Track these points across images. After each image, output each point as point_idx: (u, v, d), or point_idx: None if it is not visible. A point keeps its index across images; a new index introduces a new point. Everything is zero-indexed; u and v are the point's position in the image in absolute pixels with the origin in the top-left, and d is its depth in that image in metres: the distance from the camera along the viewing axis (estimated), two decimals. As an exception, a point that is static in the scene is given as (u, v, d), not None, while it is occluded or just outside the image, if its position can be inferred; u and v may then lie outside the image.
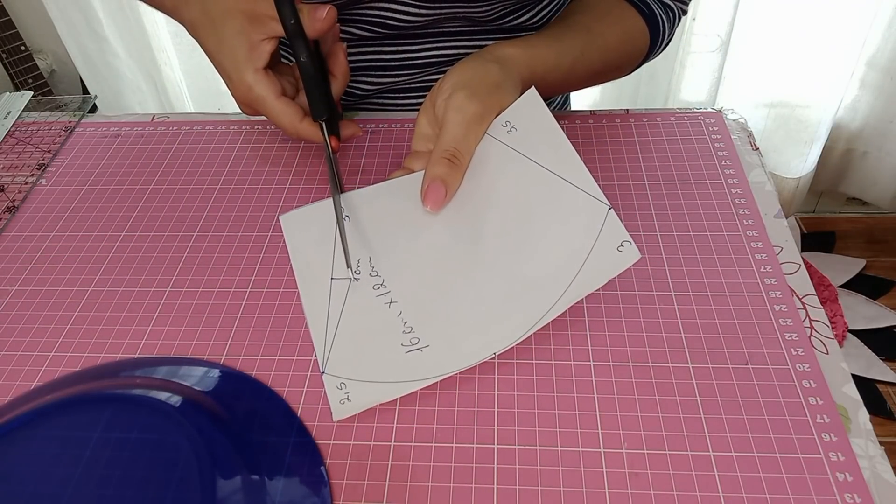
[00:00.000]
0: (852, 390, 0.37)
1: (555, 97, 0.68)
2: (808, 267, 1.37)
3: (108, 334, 0.43)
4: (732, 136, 0.54)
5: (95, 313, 0.45)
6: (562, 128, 0.43)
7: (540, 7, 0.59)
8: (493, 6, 0.55)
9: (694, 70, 1.32)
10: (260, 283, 0.45)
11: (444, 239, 0.43)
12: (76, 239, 0.50)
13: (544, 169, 0.42)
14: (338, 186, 0.46)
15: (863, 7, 1.21)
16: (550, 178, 0.42)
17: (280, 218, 0.47)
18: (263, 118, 0.59)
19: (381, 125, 0.58)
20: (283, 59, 0.53)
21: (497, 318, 0.40)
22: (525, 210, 0.42)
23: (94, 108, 0.64)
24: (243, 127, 0.59)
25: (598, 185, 0.41)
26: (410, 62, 0.60)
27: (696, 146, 0.53)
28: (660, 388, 0.38)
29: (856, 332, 1.36)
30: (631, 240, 0.39)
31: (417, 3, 0.54)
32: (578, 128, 0.56)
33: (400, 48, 0.59)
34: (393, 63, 0.60)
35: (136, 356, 0.42)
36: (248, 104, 0.47)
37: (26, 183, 0.56)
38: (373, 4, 0.55)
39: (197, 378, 0.40)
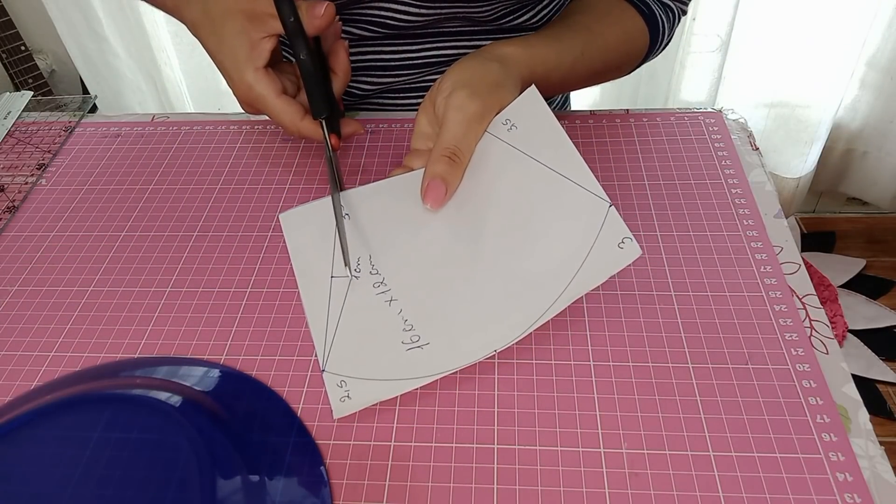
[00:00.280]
0: (852, 390, 0.37)
1: (555, 97, 0.68)
2: (808, 267, 1.37)
3: (108, 334, 0.43)
4: (732, 136, 0.54)
5: (95, 313, 0.45)
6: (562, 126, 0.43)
7: (540, 7, 0.59)
8: (493, 6, 0.55)
9: (694, 70, 1.32)
10: (260, 283, 0.45)
11: (445, 237, 0.43)
12: (76, 239, 0.50)
13: (544, 166, 0.42)
14: (337, 185, 0.46)
15: (863, 7, 1.21)
16: (551, 175, 0.42)
17: (280, 216, 0.47)
18: (264, 117, 0.59)
19: (381, 125, 0.58)
20: (284, 58, 0.53)
21: (498, 315, 0.40)
22: (525, 207, 0.42)
23: (94, 108, 0.64)
24: (243, 127, 0.59)
25: (598, 184, 0.41)
26: (410, 62, 0.60)
27: (696, 146, 0.53)
28: (660, 388, 0.38)
29: (856, 332, 1.36)
30: (632, 236, 0.39)
31: (417, 3, 0.54)
32: (578, 128, 0.56)
33: (400, 48, 0.59)
34: (393, 63, 0.60)
35: (136, 356, 0.42)
36: (249, 103, 0.47)
37: (26, 183, 0.56)
38: (373, 4, 0.55)
39: (197, 378, 0.40)
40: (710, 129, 0.55)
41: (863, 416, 0.36)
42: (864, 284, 1.45)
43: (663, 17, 0.55)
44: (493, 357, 0.40)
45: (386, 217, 0.45)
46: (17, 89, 1.25)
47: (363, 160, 0.54)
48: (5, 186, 0.55)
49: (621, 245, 0.39)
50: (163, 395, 0.37)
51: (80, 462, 0.34)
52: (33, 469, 0.34)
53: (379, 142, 0.56)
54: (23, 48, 1.37)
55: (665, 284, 0.43)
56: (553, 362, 0.39)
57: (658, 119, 0.56)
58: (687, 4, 0.57)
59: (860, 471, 0.34)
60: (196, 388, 0.39)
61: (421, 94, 0.63)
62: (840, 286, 1.45)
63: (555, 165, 0.42)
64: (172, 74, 1.42)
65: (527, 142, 0.43)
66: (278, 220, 0.49)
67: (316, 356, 0.41)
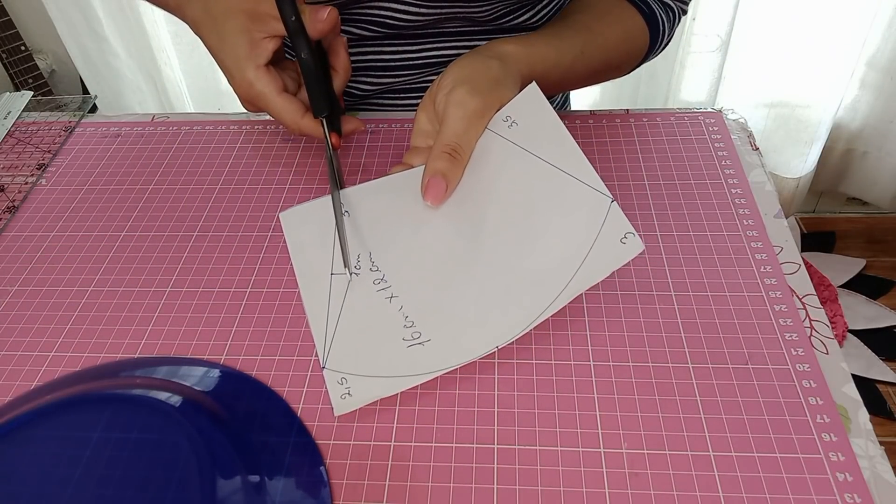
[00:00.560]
0: (852, 390, 0.37)
1: (554, 96, 0.68)
2: (808, 267, 1.37)
3: (108, 334, 0.43)
4: (732, 136, 0.54)
5: (95, 313, 0.45)
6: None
7: (540, 7, 0.59)
8: (493, 6, 0.55)
9: (694, 70, 1.32)
10: (260, 283, 0.45)
11: (445, 233, 0.43)
12: (76, 239, 0.50)
13: (546, 163, 0.42)
14: (337, 183, 0.46)
15: (863, 7, 1.21)
16: (552, 171, 0.42)
17: (280, 215, 0.47)
18: (265, 116, 0.59)
19: (381, 125, 0.58)
20: (285, 55, 0.53)
21: (499, 311, 0.40)
22: (527, 204, 0.42)
23: (94, 108, 0.64)
24: (243, 127, 0.59)
25: (600, 179, 0.41)
26: (410, 62, 0.60)
27: (696, 146, 0.53)
28: (660, 388, 0.38)
29: (856, 332, 1.36)
30: (634, 231, 0.39)
31: (417, 3, 0.54)
32: (578, 128, 0.56)
33: (400, 48, 0.59)
34: (393, 63, 0.60)
35: (136, 356, 0.42)
36: (250, 101, 0.47)
37: (26, 183, 0.56)
38: (373, 4, 0.55)
39: (197, 378, 0.40)
40: (710, 129, 0.55)
41: (863, 416, 0.36)
42: (864, 284, 1.45)
43: (663, 16, 0.55)
44: (493, 357, 0.40)
45: (386, 214, 0.45)
46: (17, 89, 1.25)
47: (363, 160, 0.54)
48: (5, 186, 0.55)
49: (624, 240, 0.39)
50: (163, 395, 0.37)
51: (80, 462, 0.34)
52: (33, 469, 0.34)
53: (379, 141, 0.56)
54: (23, 48, 1.37)
55: (665, 284, 0.43)
56: (553, 362, 0.39)
57: (658, 119, 0.56)
58: (687, 4, 0.57)
59: (860, 471, 0.34)
60: (196, 388, 0.39)
61: (421, 94, 0.63)
62: (840, 286, 1.45)
63: (556, 161, 0.42)
64: (172, 74, 1.42)
65: (527, 138, 0.43)
66: (278, 220, 0.49)
67: (316, 356, 0.41)
